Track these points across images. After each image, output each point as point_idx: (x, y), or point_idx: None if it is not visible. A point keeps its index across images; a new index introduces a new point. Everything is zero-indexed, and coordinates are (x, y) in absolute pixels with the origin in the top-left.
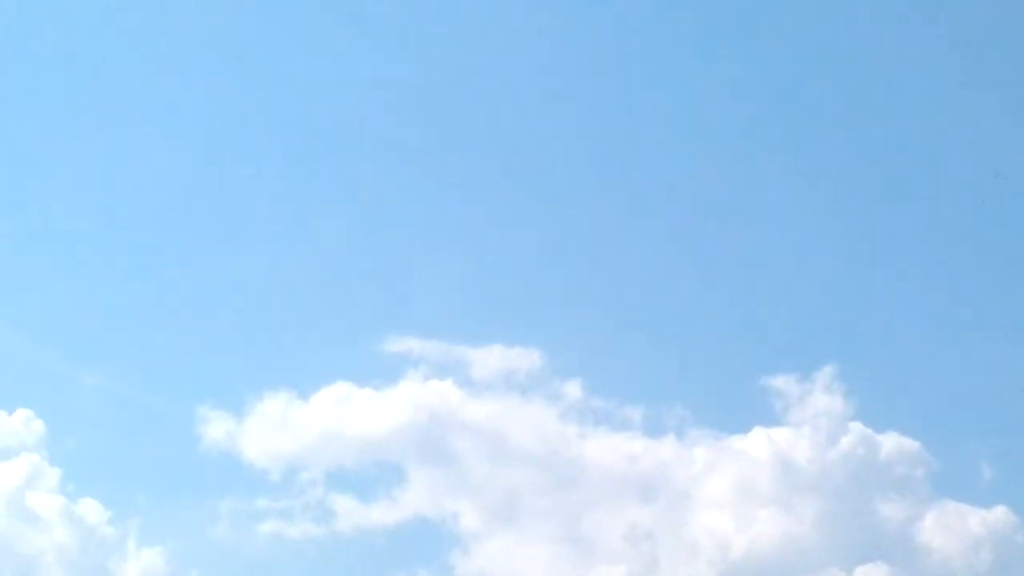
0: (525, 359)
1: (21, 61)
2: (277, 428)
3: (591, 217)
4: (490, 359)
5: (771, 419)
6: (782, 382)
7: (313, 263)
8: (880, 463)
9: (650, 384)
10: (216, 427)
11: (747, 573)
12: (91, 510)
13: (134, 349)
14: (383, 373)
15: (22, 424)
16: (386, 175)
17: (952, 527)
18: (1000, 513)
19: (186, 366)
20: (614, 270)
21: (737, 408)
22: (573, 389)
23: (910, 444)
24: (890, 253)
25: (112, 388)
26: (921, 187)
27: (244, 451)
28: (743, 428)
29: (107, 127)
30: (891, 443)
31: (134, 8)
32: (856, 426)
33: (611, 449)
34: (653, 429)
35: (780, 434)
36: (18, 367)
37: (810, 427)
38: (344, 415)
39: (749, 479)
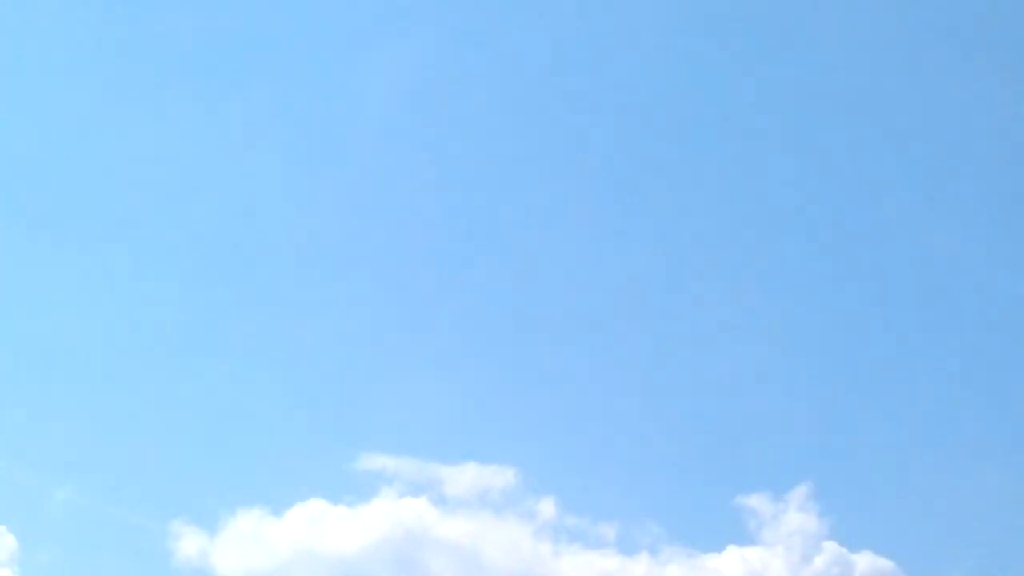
0: (499, 476)
1: None
2: (250, 544)
3: (567, 334)
4: (464, 476)
5: (745, 538)
6: (756, 500)
7: (286, 378)
8: None
9: (624, 501)
10: (189, 543)
11: None
12: None
13: (106, 463)
14: (357, 490)
15: None
16: (359, 289)
17: None
18: None
19: (159, 481)
20: (589, 388)
21: (711, 526)
22: (547, 507)
23: (884, 563)
24: (866, 371)
25: (84, 503)
26: (898, 305)
27: (217, 567)
28: (717, 546)
29: (82, 244)
30: (865, 562)
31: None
32: (830, 545)
33: (585, 567)
34: (627, 547)
35: (754, 553)
36: None
37: (784, 546)
38: (318, 532)
39: None
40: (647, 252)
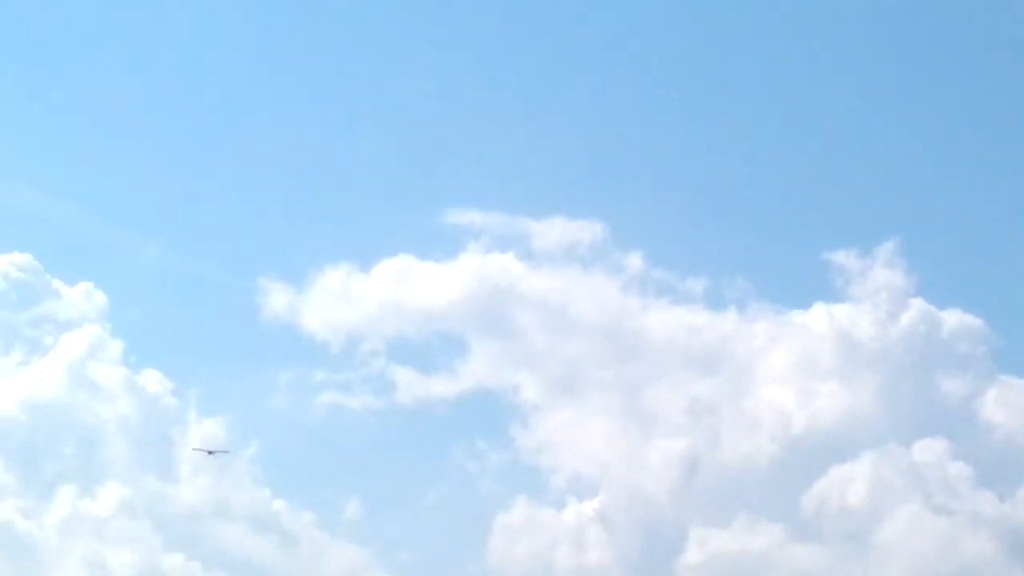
0: (587, 230)
1: None
2: (337, 300)
3: (656, 90)
4: (551, 231)
5: (832, 294)
6: (843, 257)
7: (375, 134)
8: (942, 339)
9: (712, 256)
10: (277, 299)
11: (808, 447)
12: (153, 381)
13: (196, 221)
14: (444, 245)
15: (84, 297)
16: (450, 46)
17: (1015, 404)
18: None
19: (248, 238)
20: (678, 142)
21: (798, 282)
22: (635, 261)
23: (973, 321)
24: (957, 127)
25: (174, 260)
26: (988, 61)
27: (304, 323)
28: (804, 303)
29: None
30: (953, 320)
31: None
32: (918, 302)
33: (672, 322)
34: (714, 302)
35: (841, 310)
36: (80, 240)
37: (871, 303)
38: (405, 287)
39: (810, 354)
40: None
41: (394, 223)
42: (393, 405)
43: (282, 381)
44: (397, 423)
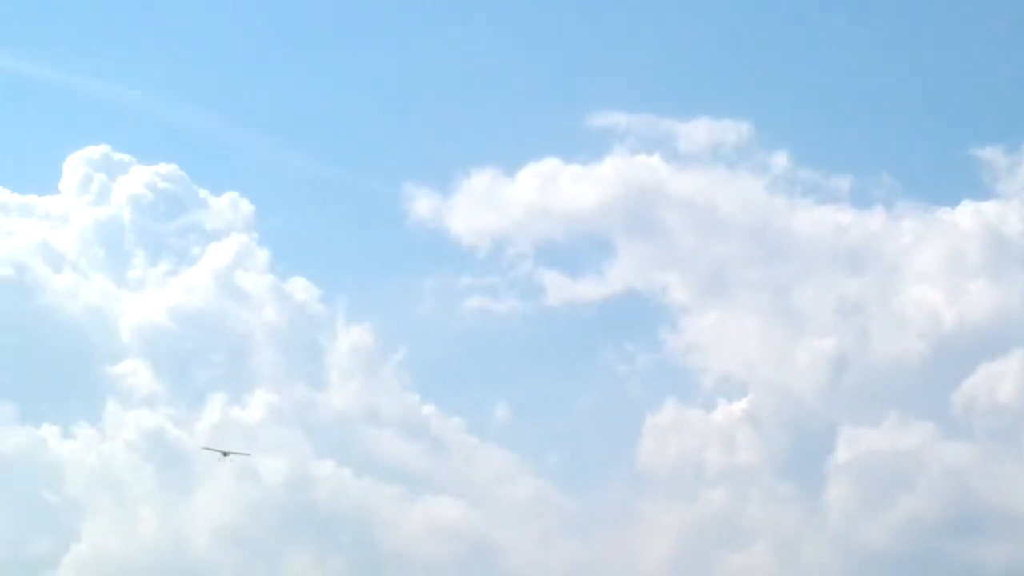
0: (732, 130)
1: None
2: (483, 205)
3: None
4: (697, 131)
5: (979, 191)
6: (990, 153)
7: (517, 36)
8: None
9: (858, 154)
10: (422, 204)
11: (957, 344)
12: (300, 288)
13: (341, 129)
14: (589, 148)
15: (230, 206)
16: None
17: None
18: None
19: (392, 144)
20: (823, 40)
21: (945, 180)
22: (781, 160)
23: None
24: None
25: (318, 168)
26: None
27: (450, 228)
28: (951, 200)
29: None
30: None
31: None
32: None
33: (819, 220)
34: (861, 200)
35: (989, 207)
36: (225, 150)
37: (1020, 200)
38: (551, 190)
39: (959, 252)
40: None
41: (539, 126)
42: (540, 309)
43: (429, 287)
44: (544, 327)
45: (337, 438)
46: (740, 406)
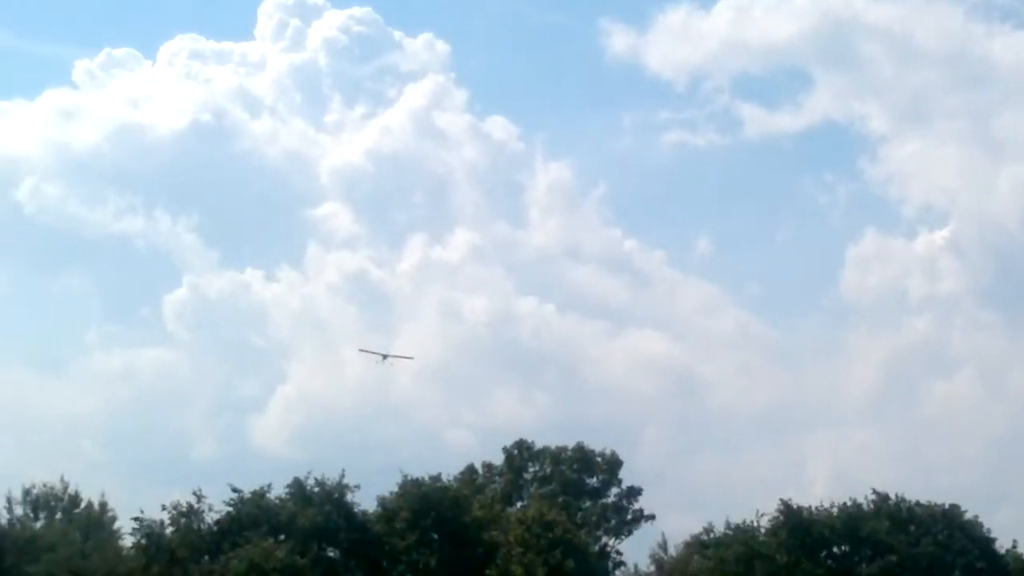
0: None
1: None
2: (680, 39)
3: None
4: None
5: None
6: None
7: None
8: None
9: None
10: (619, 40)
11: None
12: (498, 127)
13: None
14: None
15: (425, 47)
16: None
17: None
18: None
19: None
20: None
21: None
22: None
23: None
24: None
25: (513, 6)
26: None
27: (647, 63)
28: None
29: None
30: None
31: None
32: None
33: (1018, 47)
34: None
35: None
36: None
37: None
38: (747, 23)
39: None
40: None
41: None
42: (739, 141)
43: (626, 122)
44: (743, 159)
45: (539, 275)
46: (942, 234)
